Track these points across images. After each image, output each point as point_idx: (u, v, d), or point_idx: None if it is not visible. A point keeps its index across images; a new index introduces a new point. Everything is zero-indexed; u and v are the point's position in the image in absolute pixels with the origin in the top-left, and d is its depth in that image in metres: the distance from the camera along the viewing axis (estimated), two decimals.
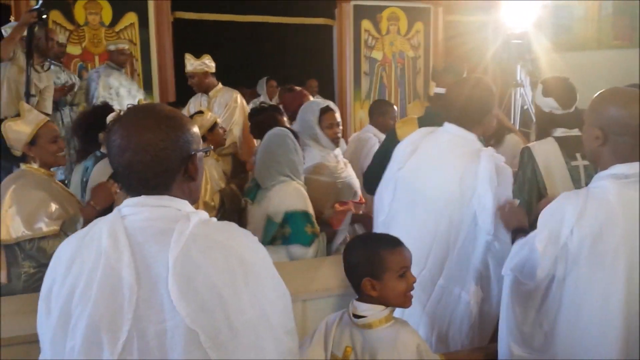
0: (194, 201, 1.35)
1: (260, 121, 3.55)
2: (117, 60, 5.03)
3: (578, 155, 2.61)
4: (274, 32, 6.45)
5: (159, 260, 1.19)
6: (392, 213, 2.39)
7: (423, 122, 3.00)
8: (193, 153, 1.31)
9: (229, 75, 5.10)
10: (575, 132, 2.69)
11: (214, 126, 3.51)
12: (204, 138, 2.90)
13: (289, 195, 2.84)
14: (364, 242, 1.85)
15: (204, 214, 1.29)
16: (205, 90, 4.49)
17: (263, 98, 6.11)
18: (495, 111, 5.01)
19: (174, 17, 5.64)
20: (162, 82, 5.50)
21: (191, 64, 4.39)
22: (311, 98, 4.37)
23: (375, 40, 6.78)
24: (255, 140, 3.92)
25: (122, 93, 4.82)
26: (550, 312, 1.79)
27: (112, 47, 5.10)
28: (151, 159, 1.25)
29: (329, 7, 6.45)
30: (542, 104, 2.76)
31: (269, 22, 6.17)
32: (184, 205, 1.30)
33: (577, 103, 2.73)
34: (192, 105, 4.51)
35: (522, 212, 2.17)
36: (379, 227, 2.42)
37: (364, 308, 1.74)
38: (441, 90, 2.96)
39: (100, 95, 4.82)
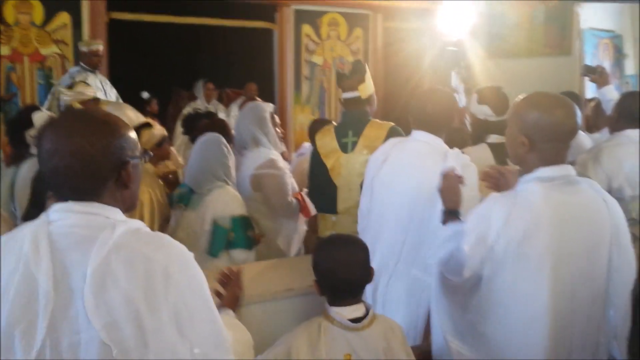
0: (128, 209, 1.31)
1: (208, 126, 3.53)
2: (90, 62, 4.85)
3: (509, 160, 2.69)
4: (213, 35, 6.38)
5: (79, 269, 1.15)
6: (371, 218, 2.50)
7: (340, 127, 3.07)
8: (127, 160, 1.27)
9: (166, 78, 5.06)
10: None
11: (162, 141, 3.29)
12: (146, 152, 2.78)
13: (232, 200, 2.87)
14: (357, 239, 1.93)
15: (134, 223, 1.25)
16: None
17: (200, 101, 6.04)
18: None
19: (110, 17, 5.49)
20: None
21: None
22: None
23: (315, 45, 6.80)
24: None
25: (100, 96, 4.66)
26: (481, 311, 1.82)
27: (84, 49, 4.90)
28: (80, 164, 1.20)
29: (269, 11, 6.43)
30: (477, 112, 2.87)
31: (208, 24, 6.10)
32: (114, 213, 1.25)
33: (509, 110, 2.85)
34: None
35: (459, 193, 2.14)
36: (361, 235, 2.51)
37: (353, 309, 1.75)
38: (351, 94, 3.04)
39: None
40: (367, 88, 3.07)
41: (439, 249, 1.90)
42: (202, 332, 1.23)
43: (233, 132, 3.50)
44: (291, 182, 3.43)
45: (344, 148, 3.00)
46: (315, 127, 4.04)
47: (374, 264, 1.92)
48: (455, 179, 2.08)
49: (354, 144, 2.98)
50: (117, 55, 5.44)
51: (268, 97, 6.46)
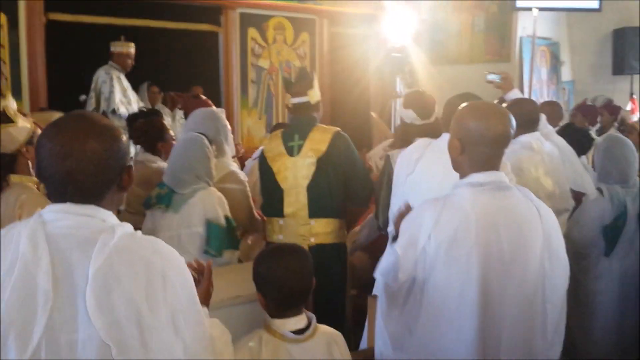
0: (116, 210, 1.36)
1: (144, 126, 3.46)
2: (123, 64, 4.80)
3: None
4: (157, 37, 6.27)
5: (80, 269, 1.17)
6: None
7: (287, 132, 3.09)
8: (129, 164, 1.32)
9: None
10: None
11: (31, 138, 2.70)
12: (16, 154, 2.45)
13: (220, 201, 2.85)
14: (301, 249, 1.95)
15: (129, 227, 1.28)
16: None
17: (144, 104, 5.92)
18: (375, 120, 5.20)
19: (48, 18, 5.32)
20: (33, 87, 5.14)
21: None
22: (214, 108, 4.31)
23: (262, 49, 6.79)
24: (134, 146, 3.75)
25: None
26: (412, 313, 1.87)
27: (117, 49, 4.89)
28: (94, 168, 1.23)
29: (214, 14, 6.37)
30: (404, 116, 2.97)
31: (150, 26, 5.99)
32: (109, 216, 1.28)
33: (436, 114, 2.94)
34: None
35: None
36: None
37: (295, 321, 1.75)
38: (300, 100, 3.06)
39: (117, 100, 4.70)
40: (316, 94, 3.10)
41: (384, 261, 1.94)
42: (193, 334, 1.26)
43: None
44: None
45: (290, 151, 3.01)
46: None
47: None
48: (407, 211, 2.19)
49: (300, 147, 3.00)
50: (55, 57, 5.27)
51: (214, 100, 6.41)
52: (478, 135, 1.81)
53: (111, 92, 4.83)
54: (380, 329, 2.00)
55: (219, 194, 2.90)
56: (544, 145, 3.10)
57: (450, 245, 1.77)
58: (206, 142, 2.94)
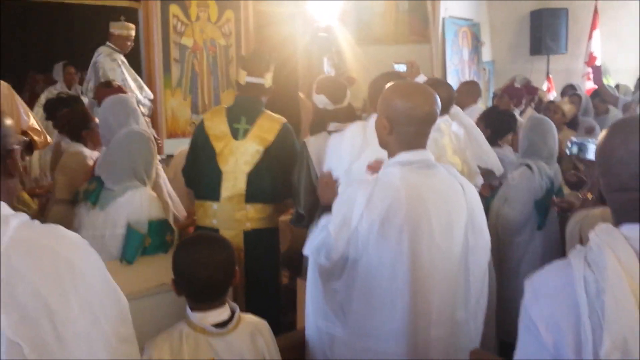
0: (12, 199, 1.23)
1: (67, 115, 3.33)
2: (122, 46, 4.68)
3: None
4: (73, 14, 5.94)
5: None
6: None
7: (233, 111, 2.99)
8: (10, 148, 1.20)
9: (19, 60, 4.63)
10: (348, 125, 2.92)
11: None
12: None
13: (149, 203, 2.67)
14: (220, 239, 1.83)
15: (24, 216, 1.17)
16: None
17: (60, 85, 5.61)
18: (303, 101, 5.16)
19: None
20: None
21: None
22: (129, 94, 4.11)
23: (185, 26, 6.56)
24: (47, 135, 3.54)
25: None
26: (348, 290, 1.89)
27: (118, 31, 4.71)
28: None
29: None
30: (317, 101, 2.98)
31: (65, 2, 5.66)
32: (2, 207, 1.16)
33: (348, 99, 2.98)
34: None
35: (334, 191, 2.23)
36: None
37: (217, 314, 1.68)
38: (257, 80, 2.98)
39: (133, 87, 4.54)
40: (270, 78, 3.04)
41: (313, 239, 1.94)
42: (114, 314, 1.21)
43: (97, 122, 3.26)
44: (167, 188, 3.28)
45: (235, 134, 2.93)
46: None
47: None
48: (329, 179, 2.24)
49: (246, 131, 2.92)
50: None
51: None
52: (406, 115, 1.83)
53: (124, 79, 4.62)
54: (312, 305, 2.01)
55: (152, 194, 2.76)
56: (451, 126, 3.19)
57: (382, 223, 1.80)
58: (152, 138, 2.81)
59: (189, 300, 1.73)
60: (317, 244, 1.91)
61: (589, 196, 2.83)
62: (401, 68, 3.47)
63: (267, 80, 3.01)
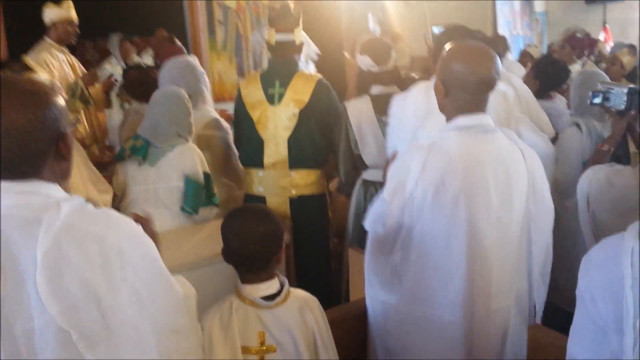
0: (65, 180, 1.24)
1: (139, 77, 3.43)
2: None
3: None
4: None
5: (26, 254, 1.08)
6: None
7: (267, 75, 2.96)
8: (64, 132, 1.19)
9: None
10: (392, 89, 2.89)
11: None
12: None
13: (199, 157, 2.74)
14: (265, 212, 1.81)
15: (77, 200, 1.18)
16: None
17: (116, 59, 5.65)
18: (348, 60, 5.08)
19: None
20: None
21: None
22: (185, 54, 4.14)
23: None
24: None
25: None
26: (401, 260, 1.87)
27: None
28: (17, 143, 1.11)
29: None
30: (360, 63, 2.90)
31: None
32: (54, 190, 1.17)
33: (394, 60, 2.89)
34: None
35: None
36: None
37: (266, 286, 1.69)
38: (286, 37, 2.92)
39: None
40: (301, 34, 2.97)
41: (373, 210, 1.92)
42: (163, 304, 1.21)
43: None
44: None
45: (271, 100, 2.90)
46: None
47: None
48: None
49: (281, 95, 2.88)
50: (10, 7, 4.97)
51: (182, 45, 6.17)
52: (462, 79, 1.78)
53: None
54: (368, 276, 2.00)
55: (198, 150, 2.80)
56: (499, 85, 3.07)
57: (437, 190, 1.76)
58: (187, 97, 2.82)
59: (237, 271, 1.75)
60: (374, 214, 1.89)
61: (605, 147, 2.67)
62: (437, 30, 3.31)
63: (298, 37, 2.94)
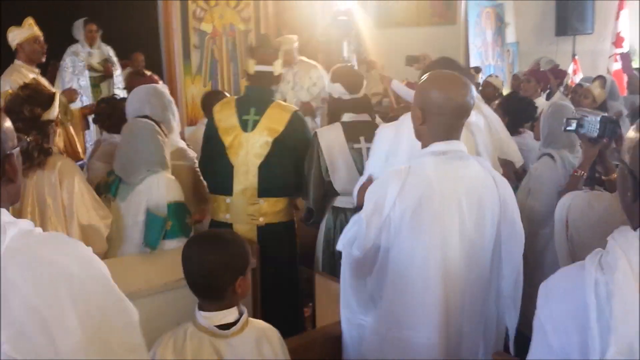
0: (13, 203, 1.20)
1: (106, 110, 3.37)
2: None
3: (362, 138, 2.86)
4: (92, 1, 5.95)
5: None
6: None
7: (242, 102, 2.95)
8: (9, 152, 1.16)
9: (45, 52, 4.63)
10: (363, 116, 2.91)
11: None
12: (51, 124, 2.51)
13: (167, 186, 2.64)
14: (222, 239, 1.76)
15: (25, 224, 1.13)
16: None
17: (81, 44, 5.53)
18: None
19: None
20: None
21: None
22: (160, 83, 4.12)
23: (204, 12, 6.54)
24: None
25: None
26: (378, 282, 1.90)
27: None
28: None
29: None
30: (332, 90, 2.93)
31: None
32: (1, 214, 1.12)
33: (363, 90, 2.92)
34: None
35: None
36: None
37: (224, 315, 1.66)
38: (264, 68, 2.92)
39: None
40: (280, 65, 2.97)
41: (347, 232, 1.93)
42: (118, 326, 1.17)
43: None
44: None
45: (244, 126, 2.87)
46: (209, 100, 3.84)
47: None
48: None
49: (255, 123, 2.86)
50: None
51: (155, 67, 6.16)
52: (438, 106, 1.83)
53: None
54: (346, 299, 2.01)
55: (170, 177, 2.71)
56: (471, 116, 3.11)
57: (414, 212, 1.80)
58: (157, 128, 2.72)
59: (197, 297, 1.72)
60: (349, 236, 1.91)
61: (579, 173, 2.72)
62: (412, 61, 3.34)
63: (277, 68, 2.94)
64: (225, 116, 2.92)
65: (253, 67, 2.94)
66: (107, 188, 2.70)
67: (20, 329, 1.05)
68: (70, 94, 4.17)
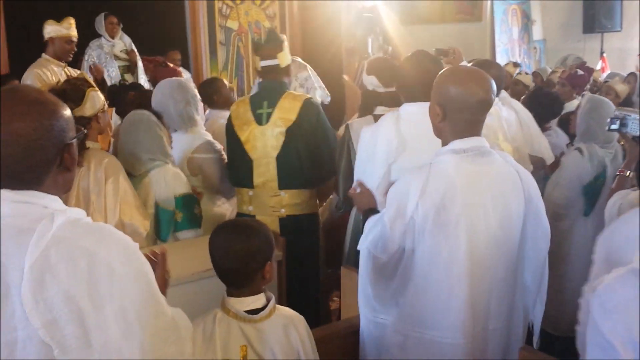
0: (66, 192, 1.25)
1: (136, 99, 3.27)
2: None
3: None
4: (120, 2, 6.03)
5: (15, 263, 1.07)
6: None
7: (256, 97, 2.99)
8: (69, 142, 1.19)
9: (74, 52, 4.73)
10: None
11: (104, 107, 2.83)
12: (86, 121, 2.52)
13: (173, 179, 2.68)
14: (248, 227, 1.79)
15: (74, 213, 1.16)
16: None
17: (104, 38, 5.63)
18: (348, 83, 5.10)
19: None
20: None
21: None
22: (185, 75, 4.17)
23: (229, 9, 6.60)
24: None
25: None
26: (402, 282, 1.88)
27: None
28: (23, 151, 1.12)
29: None
30: (366, 82, 2.91)
31: None
32: (53, 201, 1.16)
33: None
34: None
35: (370, 194, 2.26)
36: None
37: (252, 300, 1.69)
38: (269, 62, 2.95)
39: None
40: (286, 57, 2.99)
41: (367, 235, 1.92)
42: (151, 328, 1.17)
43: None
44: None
45: (259, 120, 2.91)
46: (204, 89, 3.83)
47: None
48: (362, 187, 2.23)
49: (269, 115, 2.90)
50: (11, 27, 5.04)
51: (183, 64, 6.21)
52: (459, 102, 1.79)
53: None
54: (365, 297, 2.00)
55: (176, 170, 2.74)
56: (502, 110, 3.10)
57: (437, 213, 1.77)
58: (154, 118, 2.75)
59: (224, 284, 1.76)
60: (372, 238, 1.89)
61: (625, 172, 2.69)
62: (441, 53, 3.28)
63: (282, 60, 2.96)
64: (241, 112, 2.98)
65: (258, 63, 3.00)
66: None
67: (56, 316, 1.07)
68: (98, 70, 4.39)
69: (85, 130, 2.46)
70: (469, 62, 3.21)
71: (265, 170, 2.91)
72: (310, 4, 6.82)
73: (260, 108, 2.93)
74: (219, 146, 3.21)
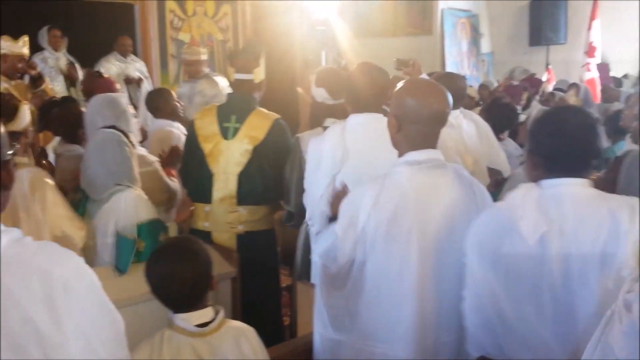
0: (2, 211, 1.19)
1: (61, 115, 3.17)
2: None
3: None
4: (70, 10, 5.89)
5: None
6: None
7: (224, 109, 2.91)
8: (6, 159, 1.15)
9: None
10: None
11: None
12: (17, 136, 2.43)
13: (136, 205, 2.48)
14: (193, 249, 1.75)
15: (14, 232, 1.11)
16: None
17: (48, 51, 5.46)
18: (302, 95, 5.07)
19: None
20: None
21: None
22: (117, 85, 4.06)
23: (181, 22, 6.54)
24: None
25: None
26: (353, 294, 1.85)
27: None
28: None
29: None
30: (315, 94, 2.88)
31: None
32: None
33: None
34: None
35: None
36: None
37: (199, 315, 1.66)
38: (243, 76, 2.90)
39: None
40: (261, 73, 2.94)
41: (322, 243, 1.92)
42: (108, 337, 1.17)
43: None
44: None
45: (225, 134, 2.84)
46: (151, 99, 3.80)
47: None
48: (344, 191, 2.18)
49: (236, 130, 2.83)
50: None
51: None
52: (413, 113, 1.79)
53: None
54: (319, 312, 1.97)
55: (139, 194, 2.55)
56: (462, 122, 3.13)
57: (389, 224, 1.76)
58: (124, 139, 2.57)
59: (169, 305, 1.72)
60: (325, 248, 1.88)
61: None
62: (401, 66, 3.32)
63: (257, 75, 2.91)
64: (206, 123, 2.89)
65: (232, 75, 2.92)
66: (74, 207, 2.53)
67: (16, 340, 1.04)
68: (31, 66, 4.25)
69: (18, 146, 2.36)
70: (428, 75, 3.24)
71: (224, 185, 2.83)
72: (263, 17, 6.82)
73: (227, 121, 2.86)
74: (153, 158, 3.11)
